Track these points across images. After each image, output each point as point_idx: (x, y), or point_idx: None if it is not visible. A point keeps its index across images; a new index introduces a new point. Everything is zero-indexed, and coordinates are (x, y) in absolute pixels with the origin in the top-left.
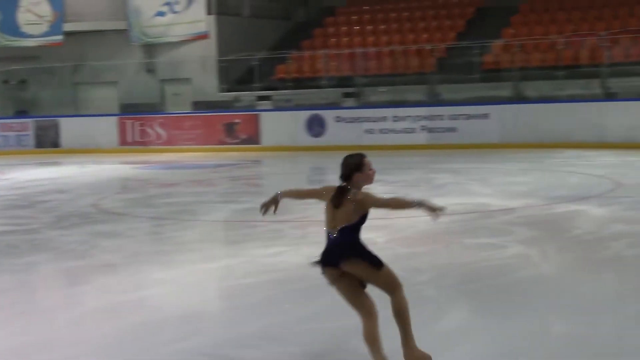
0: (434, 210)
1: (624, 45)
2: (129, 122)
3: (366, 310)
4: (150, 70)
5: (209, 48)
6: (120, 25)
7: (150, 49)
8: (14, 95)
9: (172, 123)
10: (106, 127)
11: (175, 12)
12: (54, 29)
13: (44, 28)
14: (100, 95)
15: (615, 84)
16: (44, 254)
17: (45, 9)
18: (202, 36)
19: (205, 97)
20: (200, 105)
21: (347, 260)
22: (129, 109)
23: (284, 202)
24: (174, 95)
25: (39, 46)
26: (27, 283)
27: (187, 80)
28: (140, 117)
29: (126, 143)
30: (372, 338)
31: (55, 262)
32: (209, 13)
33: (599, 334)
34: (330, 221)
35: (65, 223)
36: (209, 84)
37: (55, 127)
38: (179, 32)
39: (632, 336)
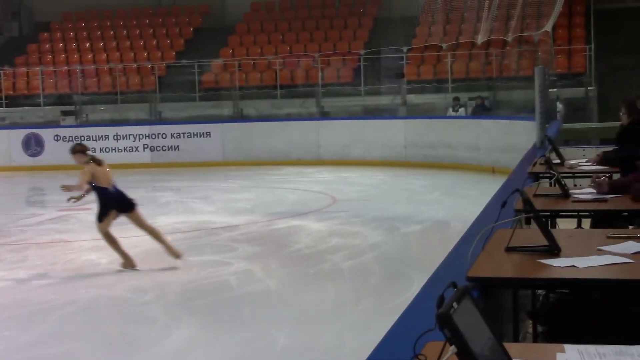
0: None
1: (334, 67)
2: None
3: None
4: None
5: None
6: None
7: None
8: None
9: None
10: None
11: None
12: None
13: None
14: None
15: (328, 103)
16: None
17: None
18: None
19: None
20: None
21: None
22: None
23: (1, 226)
24: None
25: None
26: None
27: None
28: None
29: None
30: (113, 238)
31: None
32: None
33: (321, 343)
34: (109, 180)
35: None
36: None
37: None
38: None
39: (351, 343)
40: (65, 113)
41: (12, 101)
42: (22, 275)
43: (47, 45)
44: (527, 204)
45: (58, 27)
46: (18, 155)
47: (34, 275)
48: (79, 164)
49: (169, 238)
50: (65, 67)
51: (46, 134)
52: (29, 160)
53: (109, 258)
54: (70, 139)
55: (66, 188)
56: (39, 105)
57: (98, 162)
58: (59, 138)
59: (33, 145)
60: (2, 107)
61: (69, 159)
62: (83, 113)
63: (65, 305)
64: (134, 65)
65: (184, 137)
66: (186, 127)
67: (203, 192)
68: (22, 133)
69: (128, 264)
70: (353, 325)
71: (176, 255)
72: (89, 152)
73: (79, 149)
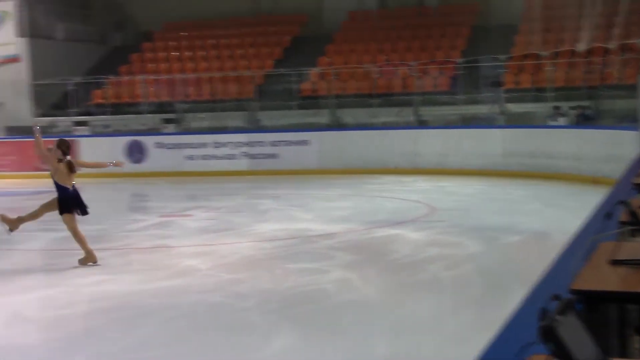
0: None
1: (432, 76)
2: None
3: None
4: None
5: (21, 72)
6: None
7: None
8: None
9: None
10: None
11: None
12: None
13: None
14: None
15: (426, 112)
16: None
17: None
18: (13, 59)
19: (19, 122)
20: (13, 131)
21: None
22: None
23: (106, 231)
24: None
25: None
26: None
27: None
28: None
29: None
30: (81, 234)
31: None
32: (20, 35)
33: (420, 353)
34: (69, 180)
35: None
36: (22, 109)
37: None
38: None
39: (450, 355)
40: (167, 121)
41: (116, 109)
42: (125, 280)
43: (149, 55)
44: (633, 216)
45: (160, 36)
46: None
47: (137, 279)
48: (53, 155)
49: (262, 245)
50: (167, 76)
51: (148, 141)
52: (131, 167)
53: (209, 264)
54: (172, 146)
55: (37, 137)
56: (141, 113)
57: (69, 168)
58: (160, 145)
59: (135, 152)
60: (106, 114)
61: (170, 165)
62: (184, 121)
63: (167, 310)
64: (233, 74)
65: (281, 145)
66: (284, 135)
67: (301, 200)
68: (125, 140)
69: (90, 259)
70: (452, 336)
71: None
72: (68, 157)
73: (63, 148)
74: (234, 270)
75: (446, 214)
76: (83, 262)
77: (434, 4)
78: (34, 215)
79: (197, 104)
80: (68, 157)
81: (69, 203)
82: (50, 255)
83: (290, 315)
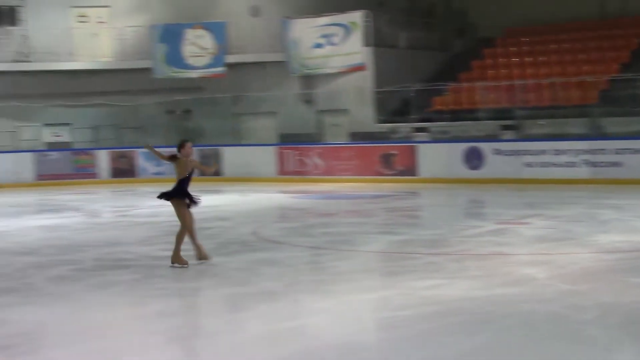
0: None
1: None
2: (287, 152)
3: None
4: (308, 101)
5: (366, 79)
6: (279, 57)
7: (308, 80)
8: (178, 125)
9: (329, 153)
10: (265, 157)
11: (333, 44)
12: (217, 61)
13: (207, 60)
14: (260, 125)
15: None
16: (207, 279)
17: (209, 42)
18: (359, 67)
19: (362, 128)
20: (357, 136)
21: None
22: (287, 139)
23: (442, 236)
24: (334, 126)
25: (202, 77)
26: (192, 308)
27: (344, 111)
28: (298, 147)
29: (285, 172)
30: (180, 235)
31: (218, 288)
32: (366, 45)
33: None
34: (177, 172)
35: (227, 250)
36: (365, 115)
37: (217, 156)
38: (336, 63)
39: None
40: (505, 127)
41: (455, 115)
42: (461, 285)
43: (489, 61)
44: None
45: (501, 42)
46: (458, 168)
47: (473, 285)
48: (166, 155)
49: (602, 257)
50: (506, 82)
51: (486, 147)
52: (468, 173)
53: (546, 273)
54: (510, 153)
55: (152, 151)
56: (479, 119)
57: (170, 159)
58: (498, 152)
59: (473, 159)
60: (445, 121)
61: (508, 172)
62: (522, 127)
63: (503, 318)
64: (575, 79)
65: (626, 153)
66: (629, 142)
67: None
68: (463, 146)
69: (176, 260)
70: None
71: (203, 257)
72: (178, 155)
73: (178, 144)
74: (572, 281)
75: None
76: (200, 258)
77: None
78: (179, 240)
79: (537, 110)
80: (175, 153)
81: (173, 190)
82: (388, 258)
83: (633, 332)
